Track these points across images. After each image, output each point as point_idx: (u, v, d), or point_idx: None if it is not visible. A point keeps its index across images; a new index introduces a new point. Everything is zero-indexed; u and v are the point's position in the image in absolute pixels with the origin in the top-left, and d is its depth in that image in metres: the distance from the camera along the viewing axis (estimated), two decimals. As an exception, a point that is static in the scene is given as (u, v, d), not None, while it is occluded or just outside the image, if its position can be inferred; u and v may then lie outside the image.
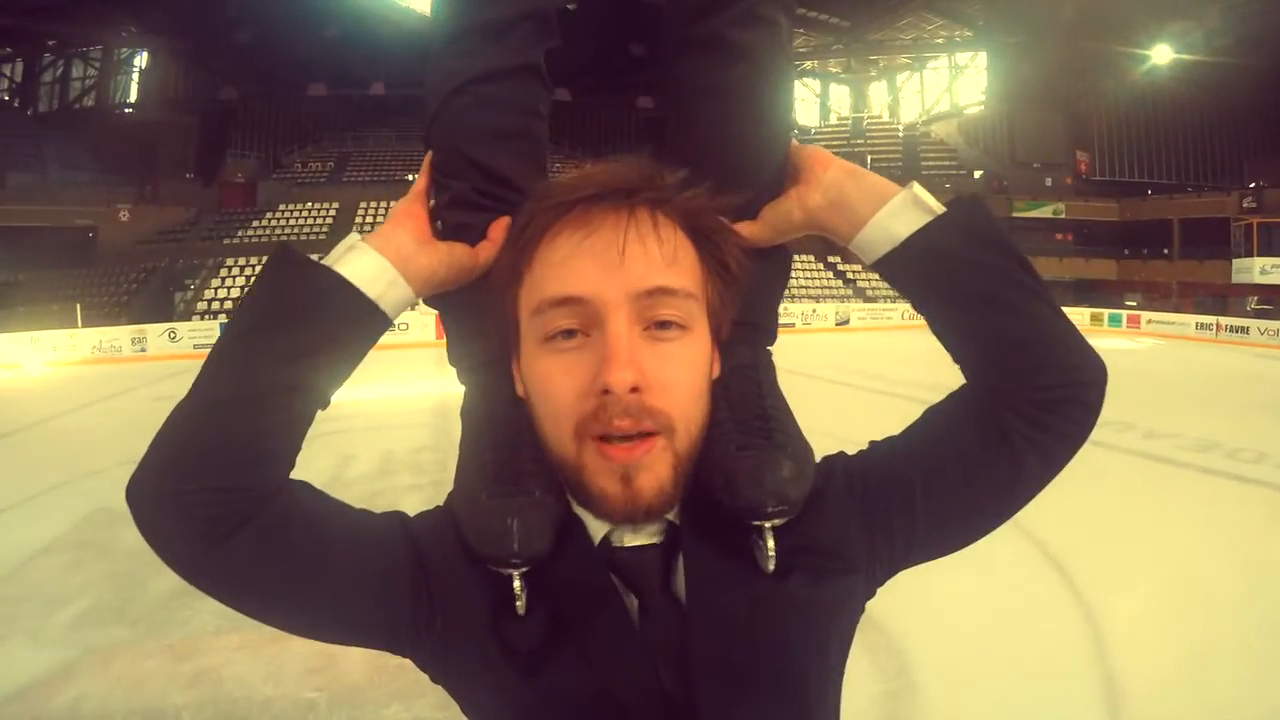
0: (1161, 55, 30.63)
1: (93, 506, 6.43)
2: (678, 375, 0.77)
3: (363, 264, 0.84)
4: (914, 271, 0.88)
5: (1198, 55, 29.83)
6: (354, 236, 0.86)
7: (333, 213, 28.68)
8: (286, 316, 0.80)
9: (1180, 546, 5.49)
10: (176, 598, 4.65)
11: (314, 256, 0.81)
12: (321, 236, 26.68)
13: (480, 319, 0.93)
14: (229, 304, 21.47)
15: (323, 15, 32.94)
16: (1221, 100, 31.43)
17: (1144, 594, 4.72)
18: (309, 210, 28.87)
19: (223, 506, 0.74)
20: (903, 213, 0.86)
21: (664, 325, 0.77)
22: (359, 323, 0.83)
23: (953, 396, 0.91)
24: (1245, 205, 28.24)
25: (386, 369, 14.94)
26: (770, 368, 1.01)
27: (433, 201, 0.99)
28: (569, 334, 0.77)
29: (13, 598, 4.77)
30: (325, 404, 0.84)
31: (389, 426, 9.70)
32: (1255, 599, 4.57)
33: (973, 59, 39.69)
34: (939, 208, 0.85)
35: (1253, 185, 29.40)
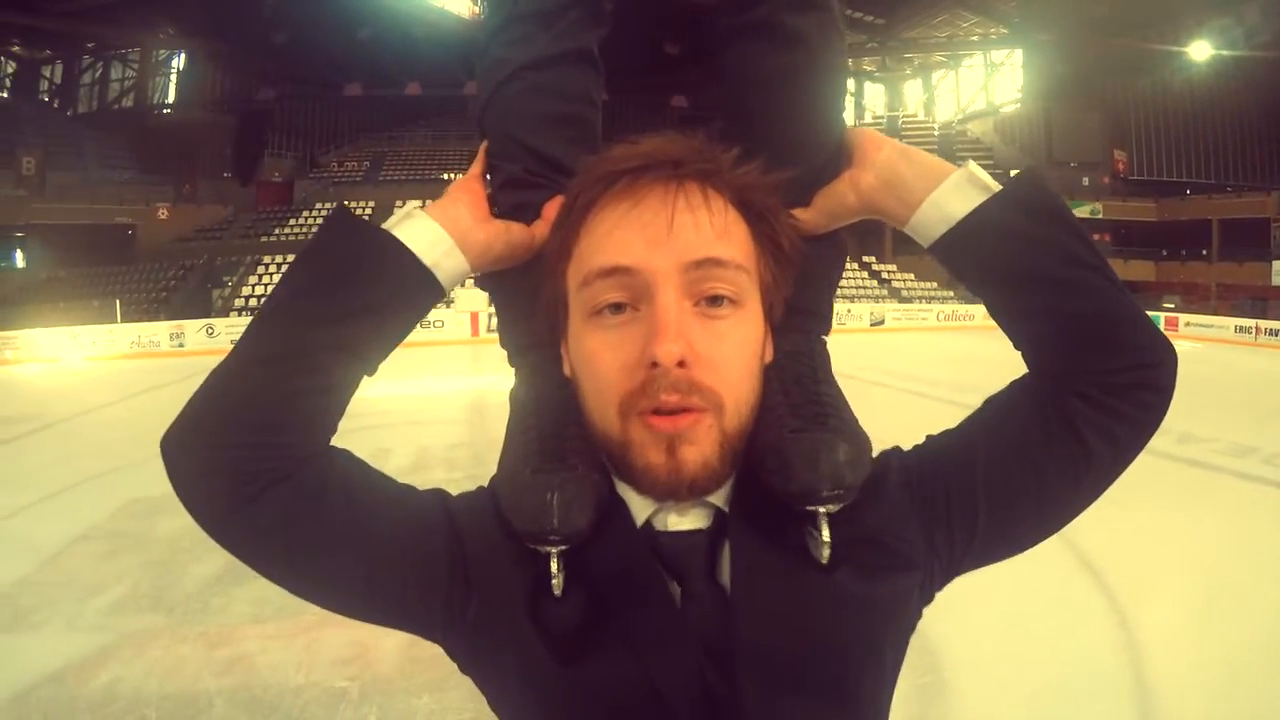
0: (1199, 52, 30.17)
1: (129, 496, 6.52)
2: (728, 353, 0.75)
3: (420, 230, 0.84)
4: (971, 251, 0.84)
5: (1237, 51, 29.33)
6: (413, 205, 0.87)
7: (369, 211, 28.87)
8: (340, 276, 0.79)
9: (1215, 552, 5.41)
10: (211, 586, 4.72)
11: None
12: (357, 235, 27.04)
13: (530, 301, 0.90)
14: (265, 301, 21.82)
15: (358, 16, 33.29)
16: (1260, 97, 30.90)
17: (1177, 600, 4.66)
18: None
19: (256, 463, 0.73)
20: (958, 191, 0.84)
21: (715, 301, 0.74)
22: (413, 288, 0.83)
23: (1013, 385, 0.87)
24: (1287, 206, 27.80)
25: (423, 366, 15.04)
26: (825, 356, 0.99)
27: (488, 189, 0.99)
28: (617, 308, 0.75)
29: (50, 583, 4.85)
30: (372, 371, 0.84)
31: (425, 422, 9.77)
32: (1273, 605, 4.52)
33: (1008, 57, 39.21)
34: (996, 185, 0.83)
35: (1292, 185, 28.86)
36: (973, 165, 0.85)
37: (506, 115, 1.00)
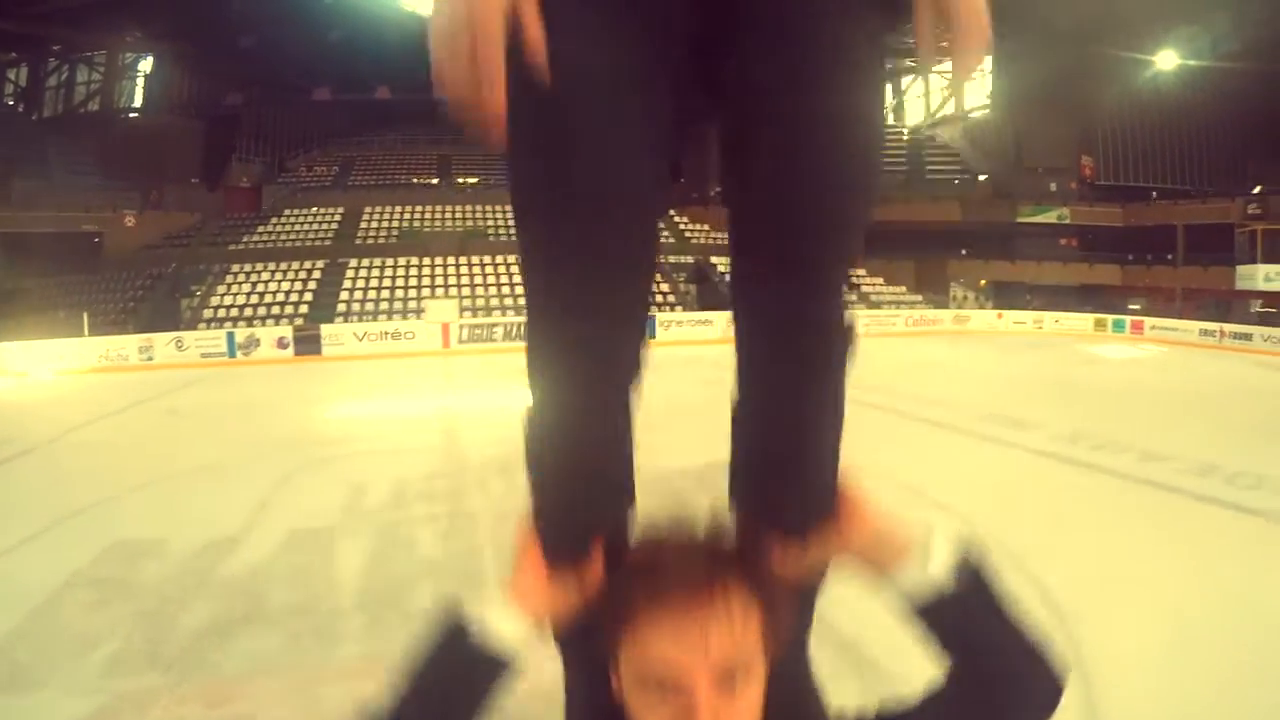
0: (1167, 61, 30.67)
1: (111, 538, 6.40)
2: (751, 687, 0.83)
3: None
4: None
5: (1203, 61, 29.84)
6: None
7: (337, 218, 28.76)
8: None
9: (1172, 584, 5.42)
10: (204, 639, 4.68)
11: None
12: (326, 242, 26.72)
13: None
14: (234, 311, 21.51)
15: (327, 19, 33.03)
16: (1226, 106, 31.46)
17: (1132, 632, 4.68)
18: (314, 215, 28.88)
19: None
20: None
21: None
22: None
23: None
24: (1250, 211, 28.27)
25: (395, 380, 14.94)
26: None
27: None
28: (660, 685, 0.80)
29: (41, 638, 4.77)
30: None
31: (398, 450, 9.48)
32: (1241, 641, 4.56)
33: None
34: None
35: (1257, 191, 29.41)
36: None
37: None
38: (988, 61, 38.49)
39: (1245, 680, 4.14)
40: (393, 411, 11.95)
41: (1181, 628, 4.74)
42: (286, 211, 29.11)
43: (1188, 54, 30.06)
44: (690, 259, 29.35)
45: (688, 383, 10.80)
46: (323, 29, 33.39)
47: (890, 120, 42.79)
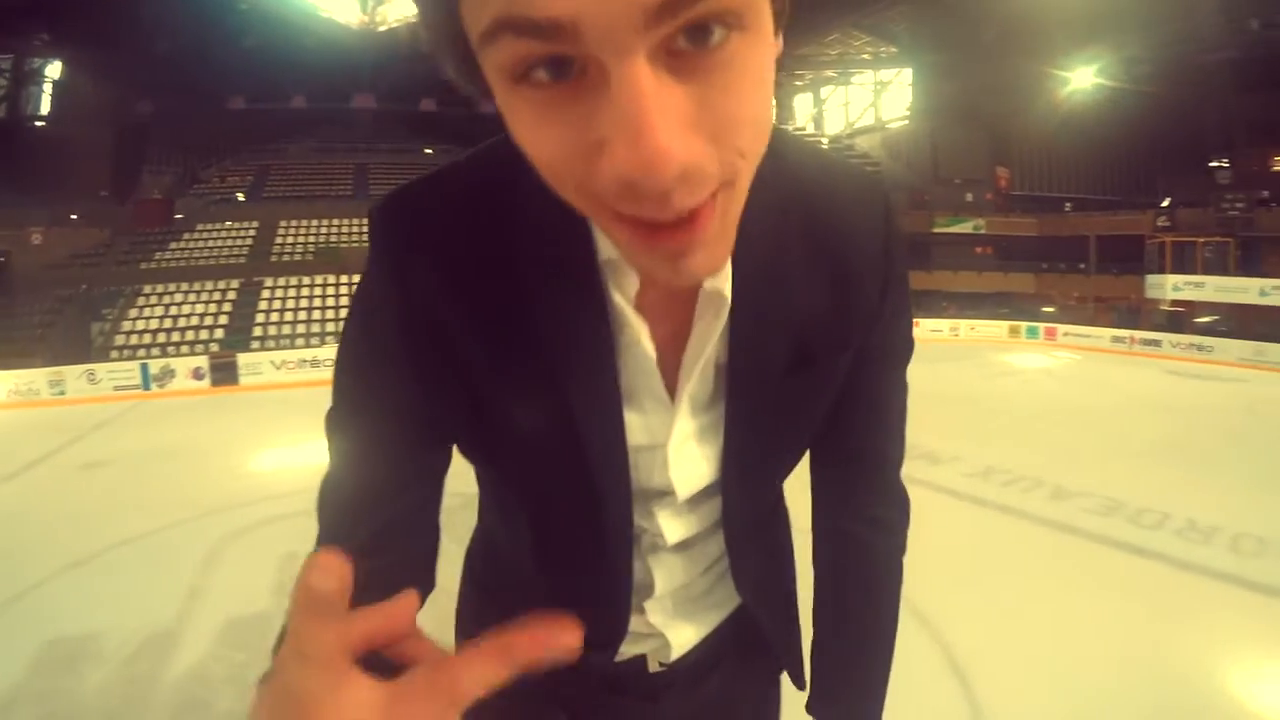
0: (1082, 79, 31.56)
1: (44, 636, 5.91)
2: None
3: None
4: None
5: (1117, 81, 30.81)
6: None
7: (252, 232, 27.97)
8: None
9: (1075, 638, 5.47)
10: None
11: None
12: (240, 259, 25.90)
13: None
14: (147, 337, 20.75)
15: (243, 25, 32.18)
16: (1138, 122, 32.37)
17: (1038, 694, 4.73)
18: (227, 230, 28.00)
19: None
20: None
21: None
22: None
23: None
24: (1159, 224, 29.14)
25: (314, 416, 14.45)
26: None
27: None
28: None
29: None
30: None
31: None
32: (1143, 698, 4.66)
33: (897, 75, 40.36)
34: None
35: (1166, 204, 30.29)
36: None
37: None
38: (908, 74, 39.34)
39: None
40: (313, 458, 11.29)
41: (1084, 690, 4.79)
42: (200, 226, 28.14)
43: (1102, 74, 30.96)
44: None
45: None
46: (238, 35, 32.49)
47: (810, 129, 43.46)
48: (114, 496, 9.75)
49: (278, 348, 20.60)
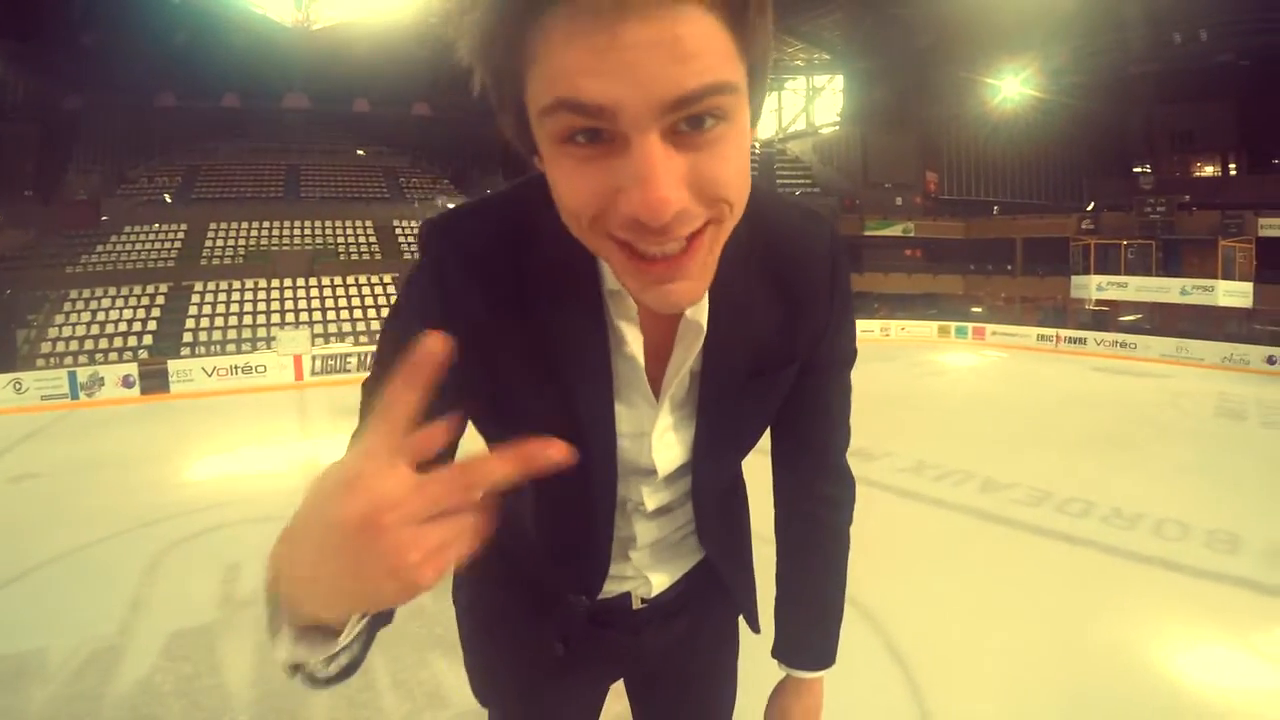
0: (1010, 87, 32.42)
1: None
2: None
3: None
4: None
5: (1045, 90, 31.74)
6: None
7: (181, 235, 27.27)
8: None
9: (1008, 623, 5.65)
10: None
11: None
12: (169, 263, 25.24)
13: None
14: (74, 344, 20.08)
15: (174, 19, 31.26)
16: (1063, 129, 33.38)
17: (972, 676, 4.86)
18: (155, 233, 27.31)
19: None
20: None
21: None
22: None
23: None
24: (1084, 226, 30.06)
25: (248, 423, 14.22)
26: None
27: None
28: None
29: None
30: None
31: (267, 518, 8.36)
32: (1072, 675, 4.81)
33: (830, 81, 41.03)
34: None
35: (1091, 208, 31.29)
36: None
37: None
38: (840, 80, 40.00)
39: (1077, 709, 4.43)
40: (254, 465, 11.18)
41: (1017, 669, 4.95)
42: (127, 228, 27.38)
43: (1031, 83, 31.87)
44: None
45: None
46: (169, 30, 31.59)
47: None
48: (47, 510, 9.40)
49: (209, 354, 20.09)
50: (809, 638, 1.43)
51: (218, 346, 20.86)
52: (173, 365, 18.63)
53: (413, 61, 33.40)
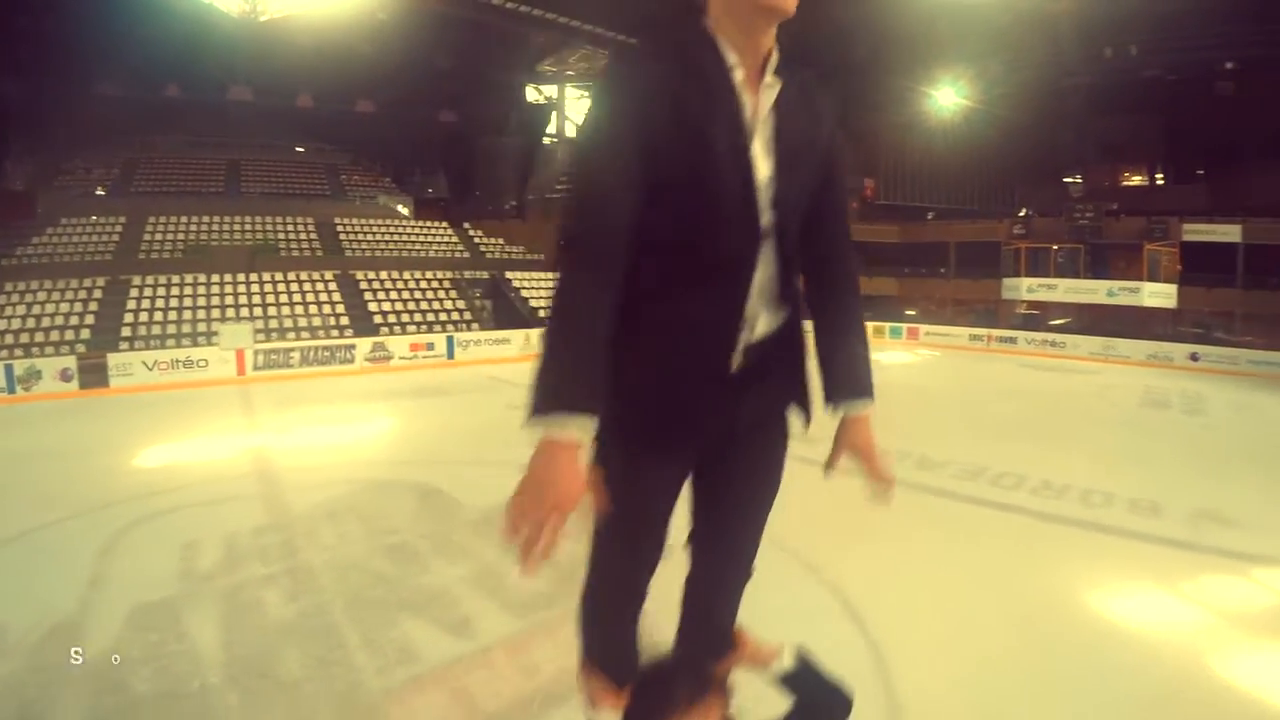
0: (946, 96, 33.22)
1: None
2: None
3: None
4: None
5: (978, 99, 32.60)
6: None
7: (119, 228, 26.66)
8: None
9: (950, 579, 6.02)
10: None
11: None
12: (107, 256, 24.66)
13: None
14: (10, 338, 19.41)
15: (114, 5, 29.89)
16: (997, 137, 34.12)
17: (921, 625, 5.17)
18: (93, 225, 26.71)
19: None
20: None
21: None
22: None
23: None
24: (1015, 231, 31.01)
25: (192, 417, 14.05)
26: None
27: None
28: None
29: None
30: None
31: (220, 499, 8.69)
32: (1008, 624, 5.19)
33: (770, 86, 41.37)
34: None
35: (1022, 213, 32.45)
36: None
37: None
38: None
39: (1013, 655, 4.74)
40: (201, 454, 11.11)
41: (961, 617, 5.31)
42: (64, 221, 26.68)
43: (965, 91, 32.72)
44: (486, 274, 29.03)
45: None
46: (108, 17, 30.35)
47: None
48: (-8, 495, 9.19)
49: (148, 348, 19.68)
50: (857, 371, 1.96)
51: (157, 341, 20.43)
52: (113, 359, 18.26)
53: (358, 57, 33.13)
